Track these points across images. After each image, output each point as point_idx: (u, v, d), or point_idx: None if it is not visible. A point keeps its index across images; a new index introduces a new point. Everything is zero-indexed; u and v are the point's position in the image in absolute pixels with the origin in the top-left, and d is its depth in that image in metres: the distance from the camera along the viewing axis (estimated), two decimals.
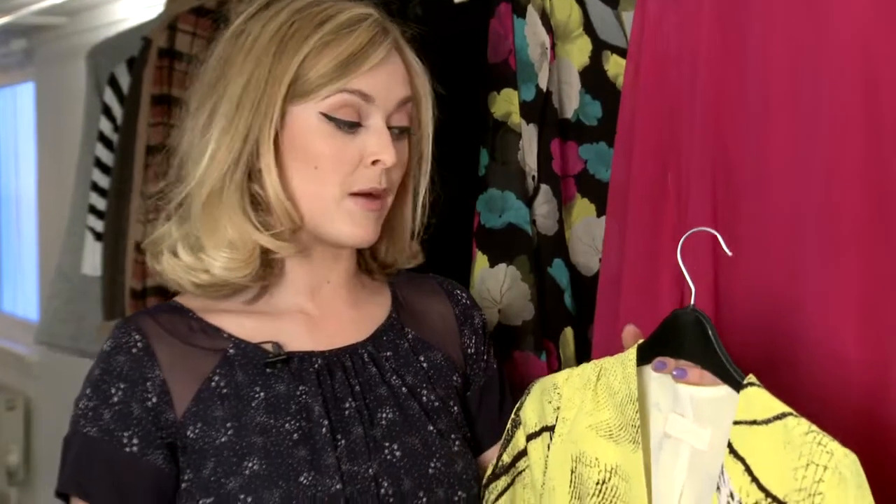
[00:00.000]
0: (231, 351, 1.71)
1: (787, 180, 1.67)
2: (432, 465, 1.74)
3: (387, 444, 1.72)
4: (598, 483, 1.60)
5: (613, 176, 2.01)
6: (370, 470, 1.69)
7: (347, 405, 1.72)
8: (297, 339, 1.76)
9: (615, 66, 2.26)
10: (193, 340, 1.71)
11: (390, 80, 1.71)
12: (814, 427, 1.37)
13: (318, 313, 1.79)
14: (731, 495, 1.44)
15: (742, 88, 1.78)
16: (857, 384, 1.62)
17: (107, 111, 3.92)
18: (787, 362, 1.68)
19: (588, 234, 2.25)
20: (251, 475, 1.63)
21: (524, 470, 1.73)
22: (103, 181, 3.86)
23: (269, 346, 1.73)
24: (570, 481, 1.64)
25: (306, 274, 1.78)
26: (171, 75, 3.40)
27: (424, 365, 1.83)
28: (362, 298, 1.85)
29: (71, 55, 5.25)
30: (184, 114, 1.77)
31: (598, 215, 2.23)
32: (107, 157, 3.87)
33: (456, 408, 1.84)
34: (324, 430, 1.68)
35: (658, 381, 1.60)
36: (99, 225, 3.83)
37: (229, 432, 1.66)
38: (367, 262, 1.86)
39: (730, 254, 1.56)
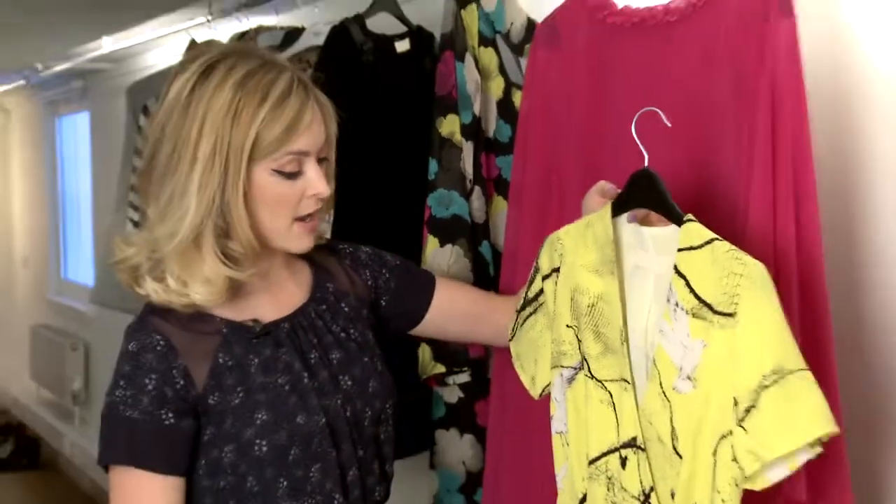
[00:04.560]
0: (225, 331, 1.64)
1: (634, 166, 1.64)
2: (370, 385, 1.73)
3: (341, 377, 1.70)
4: (588, 306, 1.62)
5: (513, 178, 2.01)
6: (338, 401, 1.67)
7: (312, 355, 1.69)
8: (267, 311, 1.70)
9: (519, 98, 2.22)
10: (195, 327, 1.63)
11: (316, 129, 1.64)
12: (733, 247, 1.40)
13: (273, 288, 1.73)
14: (677, 304, 1.46)
15: (605, 115, 1.81)
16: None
17: (140, 131, 3.85)
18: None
19: (503, 222, 2.21)
20: (261, 424, 1.59)
21: (543, 303, 1.74)
22: None
23: (251, 323, 1.66)
24: (570, 307, 1.65)
25: (257, 267, 1.68)
26: None
27: (346, 309, 1.79)
28: (294, 269, 1.79)
29: (115, 92, 5.20)
30: (145, 163, 1.65)
31: None
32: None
33: (371, 336, 1.80)
34: (305, 379, 1.65)
35: (628, 227, 1.60)
36: (136, 216, 3.74)
37: (240, 395, 1.61)
38: None
39: (669, 125, 1.57)
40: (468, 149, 2.16)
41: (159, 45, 4.80)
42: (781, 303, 1.47)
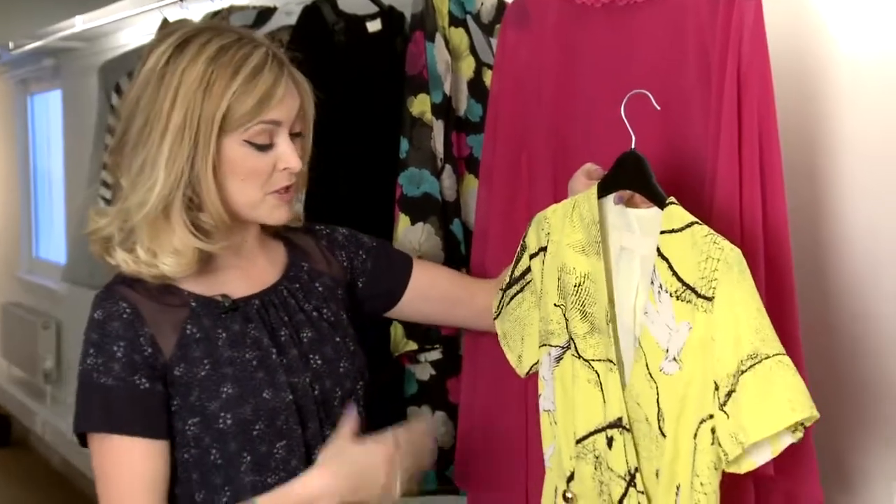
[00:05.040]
0: (193, 304, 1.64)
1: (605, 151, 1.67)
2: (341, 365, 1.72)
3: (311, 356, 1.70)
4: (575, 286, 1.62)
5: (483, 157, 2.01)
6: (306, 379, 1.67)
7: (282, 333, 1.69)
8: (238, 287, 1.70)
9: (490, 78, 2.20)
10: (163, 300, 1.63)
11: (290, 103, 1.64)
12: (712, 231, 1.41)
13: (245, 264, 1.73)
14: (661, 286, 1.47)
15: (574, 94, 1.82)
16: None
17: (113, 110, 3.84)
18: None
19: (474, 200, 2.20)
20: (227, 397, 1.59)
21: (530, 281, 1.75)
22: None
23: (219, 298, 1.66)
24: (558, 286, 1.66)
25: (230, 240, 1.69)
26: None
27: (320, 289, 1.79)
28: (268, 248, 1.79)
29: (88, 70, 5.16)
30: (118, 138, 1.65)
31: None
32: None
33: (345, 317, 1.80)
34: (273, 355, 1.64)
35: (614, 209, 1.61)
36: (108, 194, 3.70)
37: (207, 367, 1.60)
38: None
39: (658, 108, 1.57)
40: (439, 128, 2.16)
41: (132, 24, 4.77)
42: None
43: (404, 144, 2.16)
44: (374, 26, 2.40)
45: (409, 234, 2.14)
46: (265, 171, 1.63)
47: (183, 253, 1.61)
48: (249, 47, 1.61)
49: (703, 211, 1.59)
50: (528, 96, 1.90)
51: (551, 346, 1.67)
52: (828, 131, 1.77)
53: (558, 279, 1.65)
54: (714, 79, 1.58)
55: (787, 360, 1.34)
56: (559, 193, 1.81)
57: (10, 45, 5.96)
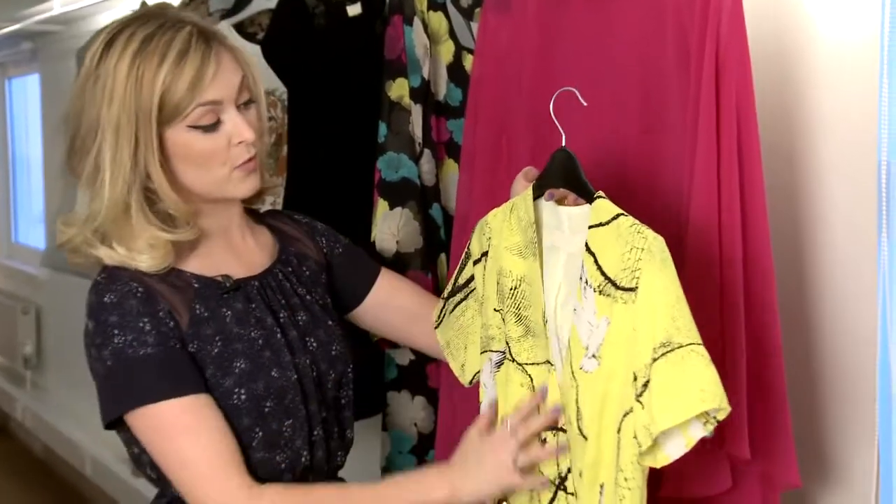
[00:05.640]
0: (196, 285, 1.64)
1: (583, 133, 1.66)
2: (333, 348, 1.73)
3: (307, 338, 1.70)
4: (511, 289, 1.61)
5: (464, 141, 2.01)
6: (306, 360, 1.67)
7: (282, 315, 1.69)
8: (233, 270, 1.69)
9: (470, 63, 2.22)
10: (168, 281, 1.62)
11: (227, 78, 1.61)
12: (636, 221, 1.39)
13: (236, 248, 1.73)
14: (587, 282, 1.45)
15: (554, 78, 1.79)
16: None
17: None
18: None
19: (454, 185, 2.22)
20: (240, 373, 1.59)
21: (474, 289, 1.73)
22: None
23: (220, 279, 1.66)
24: (497, 290, 1.64)
25: (217, 226, 1.70)
26: None
27: (307, 273, 1.80)
28: (255, 233, 1.79)
29: (66, 54, 5.13)
30: (68, 145, 1.65)
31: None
32: None
33: (330, 300, 1.81)
34: (277, 334, 1.65)
35: (548, 207, 1.59)
36: None
37: (219, 343, 1.60)
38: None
39: (585, 104, 1.57)
40: (417, 112, 2.16)
41: (110, 7, 4.73)
42: (721, 268, 1.48)
43: (382, 129, 2.16)
44: (354, 10, 2.38)
45: (388, 218, 2.14)
46: (221, 149, 1.62)
47: (156, 247, 1.60)
48: (172, 31, 1.59)
49: (682, 194, 1.59)
50: (508, 80, 1.90)
51: (492, 351, 1.67)
52: (806, 113, 1.77)
53: (497, 283, 1.64)
54: (693, 61, 1.57)
55: (701, 349, 1.30)
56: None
57: None
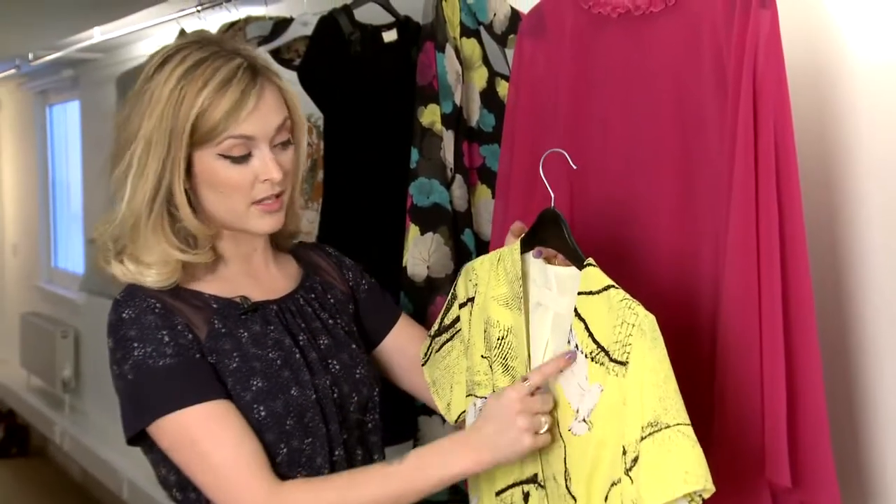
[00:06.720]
0: (215, 305, 1.65)
1: (621, 163, 1.69)
2: (357, 371, 1.73)
3: (329, 360, 1.70)
4: (498, 339, 1.62)
5: (500, 168, 2.00)
6: (327, 381, 1.67)
7: (301, 337, 1.69)
8: (253, 293, 1.70)
9: (503, 89, 2.24)
10: (187, 300, 1.64)
11: (265, 116, 1.62)
12: (627, 295, 1.40)
13: (256, 274, 1.74)
14: (577, 346, 1.46)
15: (590, 104, 1.80)
16: (671, 266, 1.69)
17: None
18: (622, 253, 1.74)
19: (487, 210, 2.23)
20: (257, 390, 1.60)
21: (459, 330, 1.74)
22: None
23: (238, 300, 1.67)
24: (483, 337, 1.65)
25: (238, 252, 1.72)
26: None
27: (332, 301, 1.80)
28: (279, 261, 1.80)
29: (105, 81, 5.20)
30: (111, 155, 1.68)
31: (493, 197, 2.19)
32: None
33: (356, 328, 1.82)
34: (296, 355, 1.65)
35: (535, 264, 1.61)
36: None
37: (237, 360, 1.61)
38: (275, 235, 1.78)
39: (575, 167, 1.59)
40: (448, 138, 2.16)
41: (149, 35, 4.79)
42: (763, 290, 1.47)
43: (414, 154, 2.16)
44: (389, 36, 2.40)
45: (420, 243, 2.14)
46: (246, 183, 1.63)
47: (167, 263, 1.62)
48: (222, 60, 1.61)
49: (721, 220, 1.57)
50: (544, 106, 1.90)
51: (477, 396, 1.67)
52: (844, 141, 1.75)
53: (485, 331, 1.64)
54: (730, 90, 1.56)
55: (687, 430, 1.31)
56: (575, 205, 1.82)
57: (30, 56, 6.01)
